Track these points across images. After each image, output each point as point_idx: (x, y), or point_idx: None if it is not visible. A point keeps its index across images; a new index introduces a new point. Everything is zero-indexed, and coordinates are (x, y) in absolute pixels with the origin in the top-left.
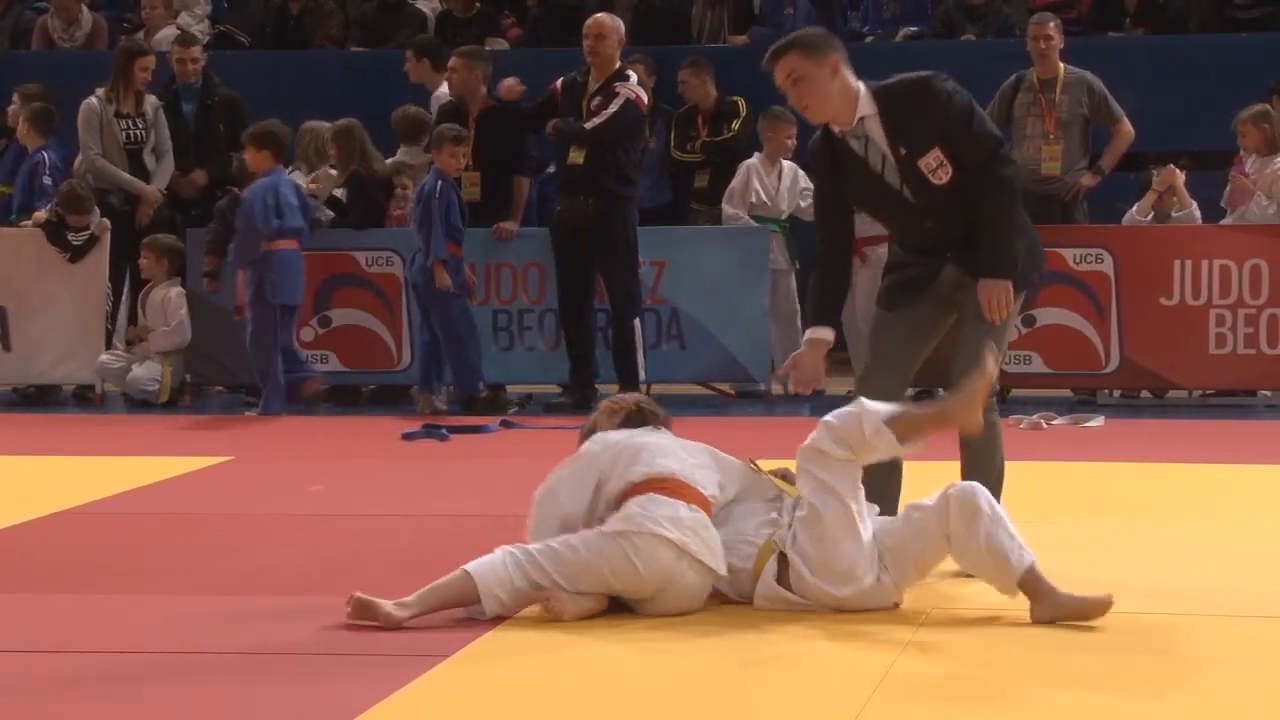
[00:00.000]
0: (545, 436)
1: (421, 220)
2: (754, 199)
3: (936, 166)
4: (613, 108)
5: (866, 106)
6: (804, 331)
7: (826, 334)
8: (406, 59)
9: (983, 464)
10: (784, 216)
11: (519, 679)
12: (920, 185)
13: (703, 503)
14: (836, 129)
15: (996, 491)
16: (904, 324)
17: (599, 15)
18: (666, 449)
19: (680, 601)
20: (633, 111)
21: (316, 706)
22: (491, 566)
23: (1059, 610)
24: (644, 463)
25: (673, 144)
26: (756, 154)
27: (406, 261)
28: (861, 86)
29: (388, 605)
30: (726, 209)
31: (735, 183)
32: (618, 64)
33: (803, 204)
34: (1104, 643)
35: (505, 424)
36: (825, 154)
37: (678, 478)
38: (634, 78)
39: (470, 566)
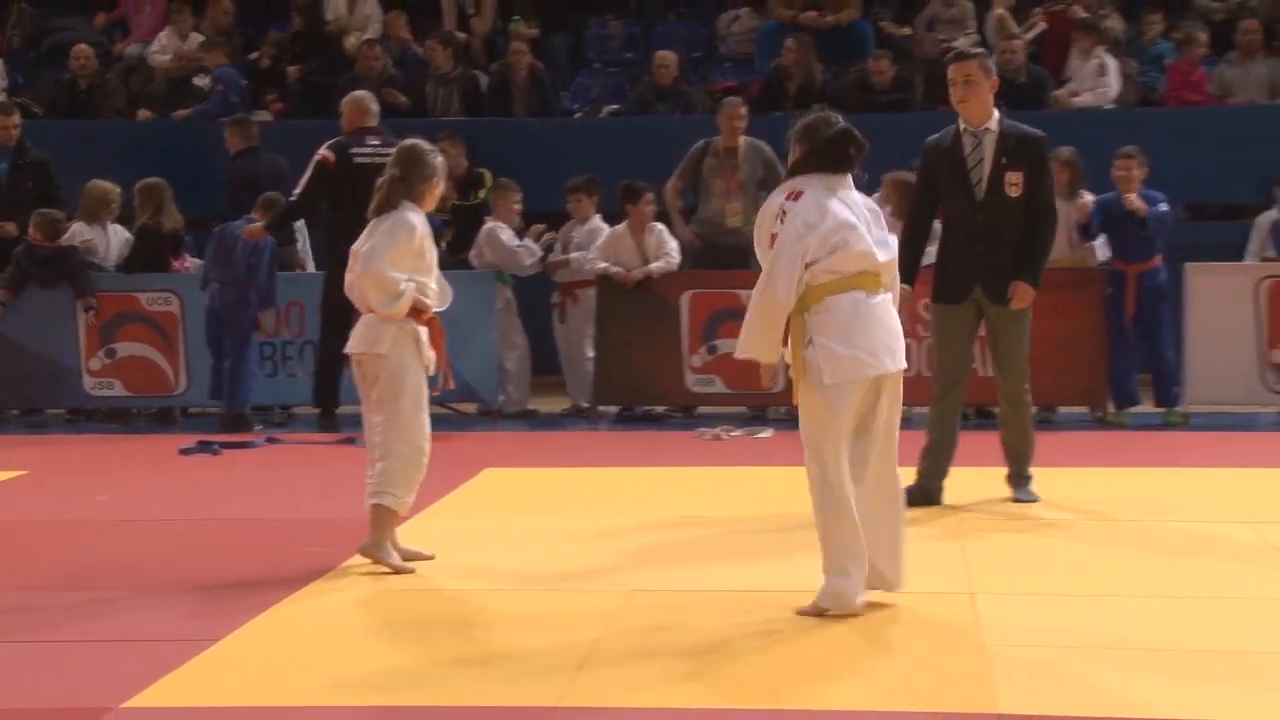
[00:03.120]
0: (307, 450)
1: (243, 267)
2: (490, 256)
3: (1016, 182)
4: (307, 173)
5: (994, 124)
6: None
7: (908, 288)
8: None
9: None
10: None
11: (276, 669)
12: (994, 188)
13: None
14: (964, 125)
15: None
16: (962, 328)
17: None
18: None
19: None
20: (320, 172)
21: (98, 687)
22: None
23: None
24: None
25: None
26: (488, 218)
27: (207, 294)
28: (996, 111)
29: None
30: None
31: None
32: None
33: (528, 261)
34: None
35: (271, 440)
36: (939, 148)
37: None
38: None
39: None
